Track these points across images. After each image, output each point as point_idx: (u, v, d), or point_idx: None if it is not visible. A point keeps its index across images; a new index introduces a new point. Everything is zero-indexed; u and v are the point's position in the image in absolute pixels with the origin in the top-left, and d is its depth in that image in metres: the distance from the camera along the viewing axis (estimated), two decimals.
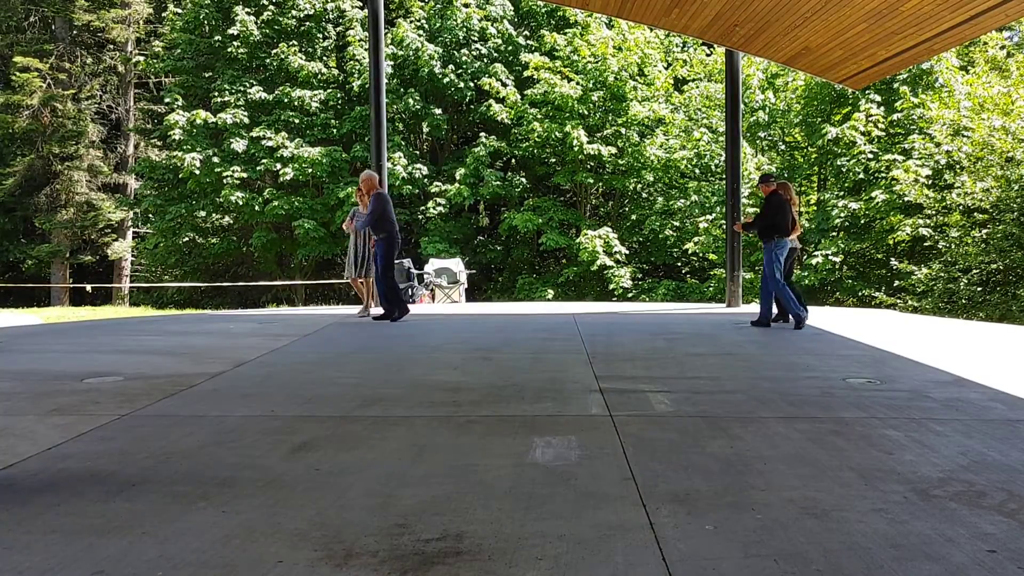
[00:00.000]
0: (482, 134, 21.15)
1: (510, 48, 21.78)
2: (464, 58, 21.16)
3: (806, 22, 9.02)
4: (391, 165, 19.53)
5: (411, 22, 21.47)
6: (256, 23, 21.60)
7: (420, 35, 21.04)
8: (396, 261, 16.13)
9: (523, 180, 21.61)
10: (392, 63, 20.75)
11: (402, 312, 9.57)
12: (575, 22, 21.10)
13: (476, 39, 21.51)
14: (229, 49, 21.77)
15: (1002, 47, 18.00)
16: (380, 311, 9.73)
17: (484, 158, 20.67)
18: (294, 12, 21.89)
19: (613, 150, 19.88)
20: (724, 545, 2.57)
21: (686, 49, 22.43)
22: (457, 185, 20.35)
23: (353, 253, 9.98)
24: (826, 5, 8.48)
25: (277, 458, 3.61)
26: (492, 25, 21.56)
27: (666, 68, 21.27)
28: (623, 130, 20.22)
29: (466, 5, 21.43)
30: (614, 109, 20.24)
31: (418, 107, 20.87)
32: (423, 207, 21.42)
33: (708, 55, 20.54)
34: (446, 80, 20.80)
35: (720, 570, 2.39)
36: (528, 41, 22.23)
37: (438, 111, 21.15)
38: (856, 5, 8.28)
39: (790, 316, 8.74)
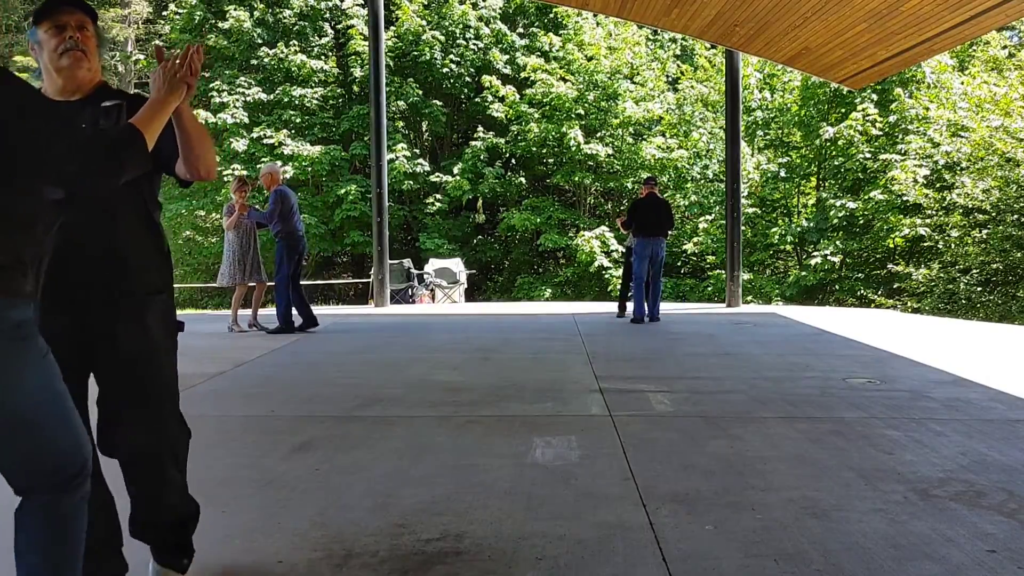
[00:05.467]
0: (480, 128, 21.18)
1: (503, 47, 21.81)
2: (462, 49, 21.19)
3: (806, 22, 9.01)
4: (393, 156, 19.52)
5: (412, 6, 21.48)
6: (251, 20, 21.60)
7: (421, 23, 21.06)
8: (396, 261, 16.18)
9: (522, 179, 21.62)
10: (392, 55, 20.74)
11: (290, 329, 8.31)
12: (567, 24, 21.11)
13: (472, 36, 21.55)
14: (222, 48, 21.77)
15: (1003, 47, 18.00)
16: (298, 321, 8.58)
17: (481, 153, 20.70)
18: (288, 11, 21.89)
19: (610, 150, 19.90)
20: (724, 545, 2.57)
21: (683, 50, 22.42)
22: (456, 178, 20.37)
23: (240, 254, 8.54)
24: (826, 5, 8.47)
25: (277, 458, 3.61)
26: (486, 25, 21.59)
27: (659, 66, 21.25)
28: (619, 130, 20.24)
29: (461, 1, 21.45)
30: (608, 109, 20.26)
31: (418, 99, 20.87)
32: (421, 204, 21.45)
33: (703, 54, 20.52)
34: (445, 70, 20.83)
35: (720, 570, 2.39)
36: (522, 40, 22.22)
37: (438, 102, 21.17)
38: (856, 5, 8.26)
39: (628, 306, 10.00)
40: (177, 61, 1.99)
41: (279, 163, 14.70)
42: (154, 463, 2.19)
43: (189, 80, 1.99)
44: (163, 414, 2.20)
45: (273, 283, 8.66)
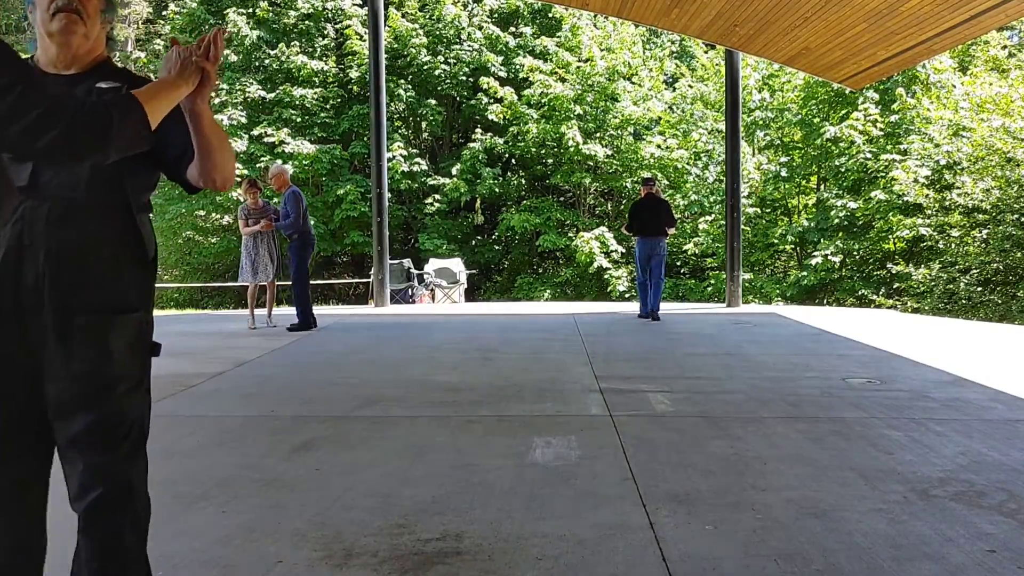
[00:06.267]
0: (478, 129, 21.19)
1: (498, 49, 21.83)
2: (457, 52, 21.21)
3: (806, 22, 9.01)
4: (391, 155, 19.52)
5: (403, 14, 21.49)
6: (250, 24, 21.61)
7: (413, 28, 21.06)
8: (396, 261, 16.19)
9: (521, 180, 21.62)
10: (387, 56, 20.74)
11: (313, 324, 8.56)
12: (564, 25, 21.07)
13: (466, 38, 21.56)
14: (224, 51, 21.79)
15: (1003, 47, 17.99)
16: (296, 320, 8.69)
17: (480, 154, 20.71)
18: (291, 12, 21.92)
19: (609, 150, 19.91)
20: (724, 545, 2.57)
21: (682, 51, 22.40)
22: (454, 180, 20.39)
23: (262, 255, 8.62)
24: (826, 5, 8.47)
25: (277, 458, 3.61)
26: (478, 30, 21.61)
27: (657, 65, 21.25)
28: (618, 130, 20.25)
29: (454, 3, 21.46)
30: (607, 109, 20.27)
31: (413, 100, 20.88)
32: (420, 204, 21.46)
33: (701, 58, 20.52)
34: (438, 72, 20.85)
35: (720, 570, 2.39)
36: (517, 40, 22.22)
37: (433, 102, 21.18)
38: (856, 5, 8.27)
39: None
40: (195, 45, 1.74)
41: (279, 161, 14.70)
42: (106, 518, 1.70)
43: (206, 65, 1.72)
44: (118, 458, 1.71)
45: (279, 282, 8.81)
